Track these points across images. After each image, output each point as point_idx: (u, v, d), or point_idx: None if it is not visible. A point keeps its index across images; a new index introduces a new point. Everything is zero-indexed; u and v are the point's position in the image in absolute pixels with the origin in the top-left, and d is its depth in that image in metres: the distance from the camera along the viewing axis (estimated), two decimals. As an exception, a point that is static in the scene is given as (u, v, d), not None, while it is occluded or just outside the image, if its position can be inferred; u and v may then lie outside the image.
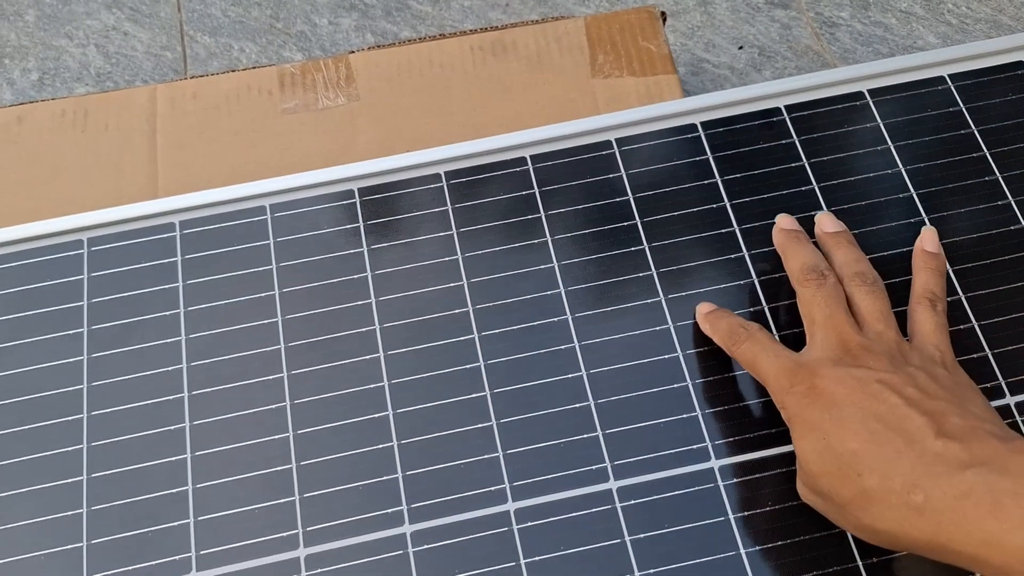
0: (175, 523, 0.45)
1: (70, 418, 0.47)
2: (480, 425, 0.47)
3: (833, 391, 0.39)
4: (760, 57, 0.77)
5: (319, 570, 0.44)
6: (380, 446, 0.46)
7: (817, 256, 0.46)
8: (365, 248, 0.52)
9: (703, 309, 0.48)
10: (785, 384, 0.41)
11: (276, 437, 0.47)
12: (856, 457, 0.38)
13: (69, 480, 0.46)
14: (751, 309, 0.49)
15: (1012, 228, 0.51)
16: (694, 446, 0.46)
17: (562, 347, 0.49)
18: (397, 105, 0.62)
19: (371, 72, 0.63)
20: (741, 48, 0.78)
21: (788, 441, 0.45)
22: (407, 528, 0.44)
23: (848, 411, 0.38)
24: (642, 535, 0.44)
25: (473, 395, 0.47)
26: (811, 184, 0.53)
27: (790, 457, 0.45)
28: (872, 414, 0.38)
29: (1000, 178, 0.52)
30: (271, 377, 0.48)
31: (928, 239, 0.48)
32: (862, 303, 0.44)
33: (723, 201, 0.53)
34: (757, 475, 0.45)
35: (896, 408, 0.38)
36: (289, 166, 0.59)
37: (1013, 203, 0.52)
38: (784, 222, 0.49)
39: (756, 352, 0.43)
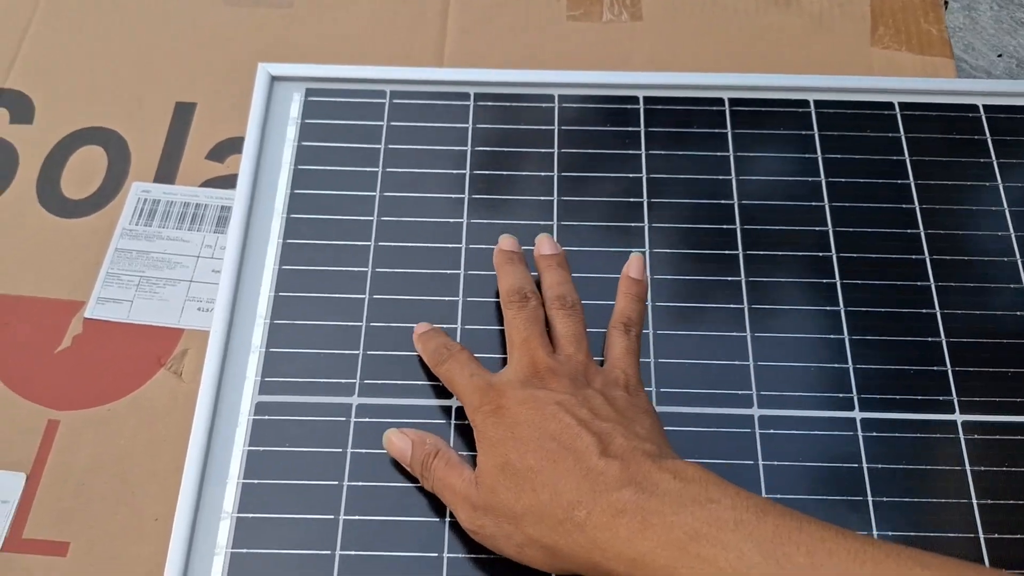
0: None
1: (359, 243, 0.52)
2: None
3: (516, 411, 0.41)
4: (1018, 68, 0.77)
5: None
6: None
7: (525, 279, 0.48)
8: (643, 151, 0.55)
9: (419, 329, 0.48)
10: (476, 403, 0.43)
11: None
12: (533, 472, 0.39)
13: (355, 296, 0.50)
14: None
15: None
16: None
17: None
18: (677, 32, 0.64)
19: (655, -2, 0.65)
20: (1000, 56, 0.78)
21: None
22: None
23: (527, 430, 0.40)
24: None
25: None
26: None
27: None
28: (548, 433, 0.40)
29: None
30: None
31: (634, 266, 0.49)
32: (557, 326, 0.46)
33: (996, 181, 0.54)
34: (1002, 436, 0.46)
35: (569, 428, 0.40)
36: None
37: None
38: (504, 243, 0.50)
39: (454, 372, 0.45)
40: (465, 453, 0.45)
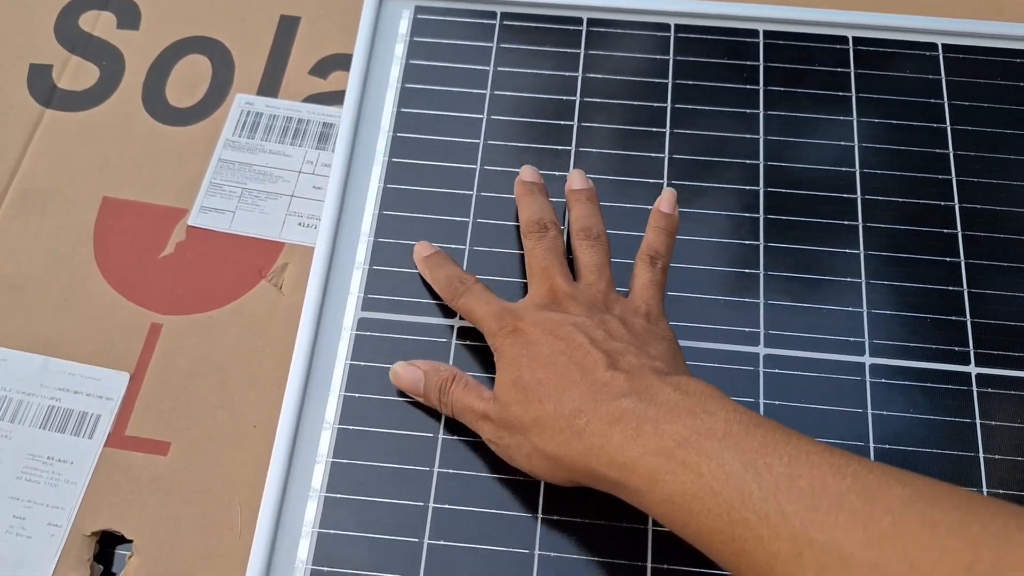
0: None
1: (465, 166, 0.51)
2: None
3: (531, 331, 0.42)
4: None
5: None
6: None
7: (544, 210, 0.48)
8: (761, 88, 0.53)
9: (422, 251, 0.48)
10: (495, 327, 0.43)
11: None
12: (541, 385, 0.40)
13: (459, 218, 0.50)
14: None
15: None
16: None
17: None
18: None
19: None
20: None
21: None
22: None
23: (540, 348, 0.41)
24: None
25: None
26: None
27: None
28: (559, 350, 0.41)
29: None
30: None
31: (666, 200, 0.49)
32: (580, 256, 0.47)
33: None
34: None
35: (580, 346, 0.40)
36: None
37: None
38: (525, 174, 0.50)
39: (472, 305, 0.45)
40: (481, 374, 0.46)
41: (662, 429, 0.36)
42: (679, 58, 0.54)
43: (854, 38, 0.54)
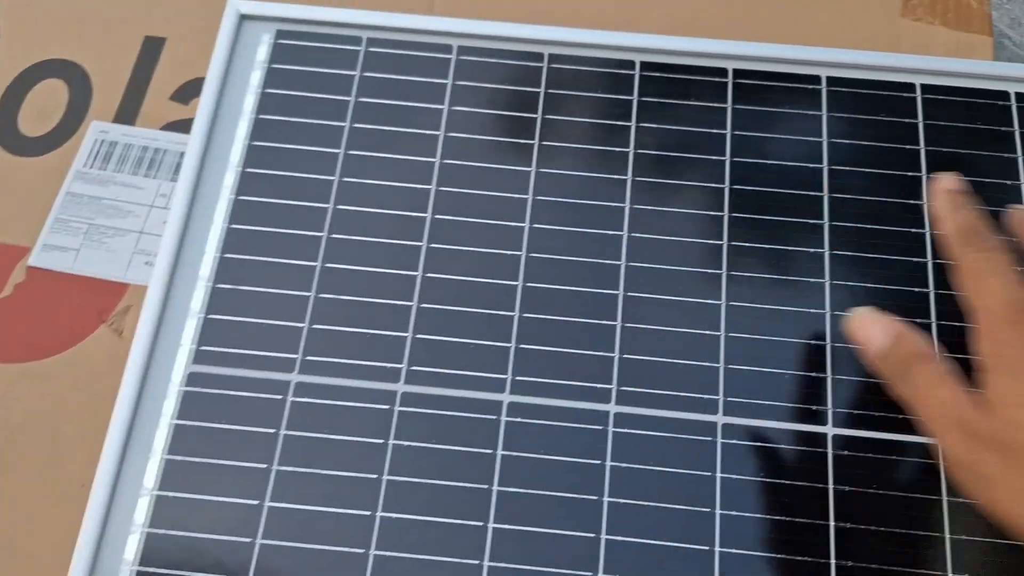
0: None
1: (316, 205, 0.48)
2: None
3: None
4: (1067, 47, 0.71)
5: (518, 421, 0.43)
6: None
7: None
8: (633, 124, 0.50)
9: (948, 184, 0.43)
10: (1008, 317, 0.36)
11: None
12: None
13: (306, 263, 0.47)
14: None
15: None
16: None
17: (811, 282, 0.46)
18: (690, -10, 0.59)
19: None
20: (1047, 33, 0.71)
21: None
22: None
23: None
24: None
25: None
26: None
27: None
28: None
29: None
30: (513, 224, 0.48)
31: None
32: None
33: (1019, 180, 0.49)
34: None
35: None
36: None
37: None
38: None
39: (988, 270, 0.38)
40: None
41: None
42: (550, 91, 0.51)
43: (735, 70, 0.51)
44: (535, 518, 0.41)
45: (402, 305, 0.45)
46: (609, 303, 0.45)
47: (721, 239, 0.47)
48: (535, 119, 0.50)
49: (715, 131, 0.50)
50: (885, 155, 0.49)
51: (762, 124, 0.50)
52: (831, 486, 0.42)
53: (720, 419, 0.43)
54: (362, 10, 0.53)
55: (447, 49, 0.52)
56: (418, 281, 0.46)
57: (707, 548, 0.41)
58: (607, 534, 0.41)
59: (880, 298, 0.45)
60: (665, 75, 0.51)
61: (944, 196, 0.43)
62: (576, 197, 0.48)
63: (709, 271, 0.46)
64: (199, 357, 0.44)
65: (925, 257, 0.46)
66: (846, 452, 0.43)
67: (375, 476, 0.42)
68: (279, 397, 0.43)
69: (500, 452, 0.42)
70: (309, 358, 0.44)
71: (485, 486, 0.42)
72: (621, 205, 0.48)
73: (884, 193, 0.48)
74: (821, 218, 0.47)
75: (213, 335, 0.45)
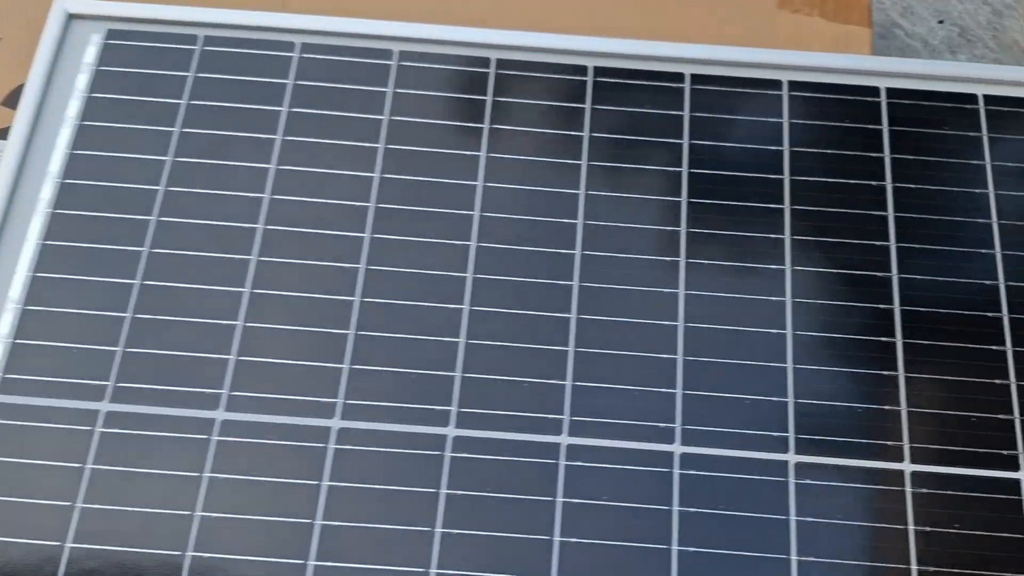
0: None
1: (138, 217, 0.45)
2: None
3: None
4: (959, 38, 0.69)
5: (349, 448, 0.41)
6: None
7: None
8: (487, 125, 0.47)
9: None
10: None
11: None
12: None
13: (123, 280, 0.43)
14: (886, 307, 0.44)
15: None
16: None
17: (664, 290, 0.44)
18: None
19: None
20: (941, 22, 0.70)
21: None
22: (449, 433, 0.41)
23: None
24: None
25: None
26: (987, 188, 0.46)
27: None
28: None
29: None
30: (351, 234, 0.45)
31: None
32: None
33: (884, 180, 0.47)
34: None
35: None
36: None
37: None
38: None
39: None
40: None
41: None
42: (399, 90, 0.48)
43: (595, 67, 0.49)
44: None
45: (226, 325, 0.42)
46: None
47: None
48: (381, 120, 0.47)
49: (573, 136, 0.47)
50: (748, 156, 0.47)
51: (623, 124, 0.47)
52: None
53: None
54: (201, 8, 0.50)
55: (289, 47, 0.49)
56: (245, 298, 0.43)
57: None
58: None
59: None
60: (521, 73, 0.48)
61: None
62: (422, 204, 0.45)
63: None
64: (6, 386, 0.41)
65: (783, 262, 0.44)
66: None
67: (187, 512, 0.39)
68: (87, 429, 0.40)
69: (326, 483, 0.40)
70: (122, 385, 0.41)
71: (307, 520, 0.39)
72: (470, 213, 0.45)
73: (743, 198, 0.46)
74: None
75: (22, 362, 0.41)
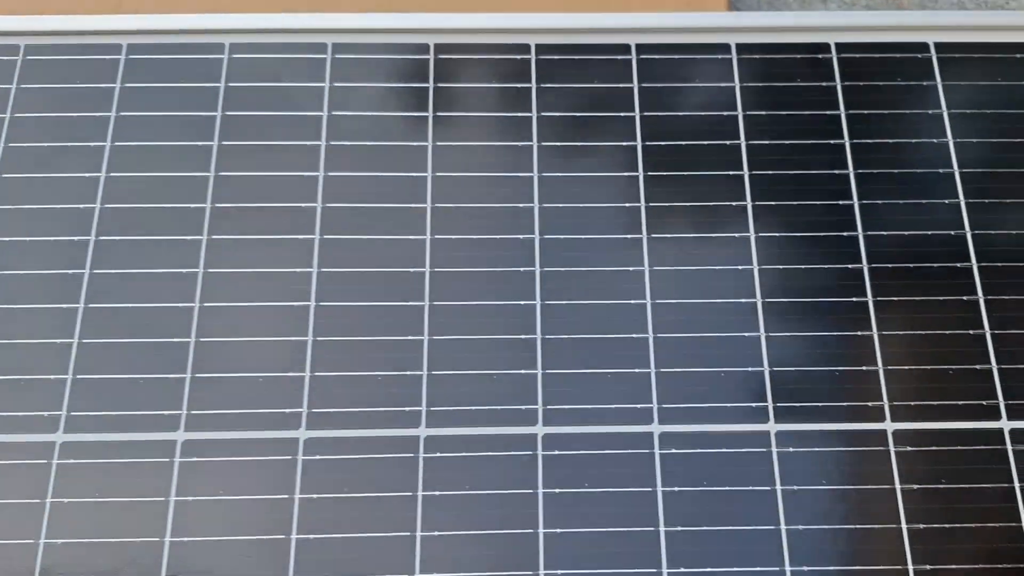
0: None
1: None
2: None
3: None
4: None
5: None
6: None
7: None
8: (431, 113, 0.46)
9: None
10: None
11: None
12: None
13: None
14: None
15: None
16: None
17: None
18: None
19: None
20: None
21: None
22: (421, 432, 0.40)
23: None
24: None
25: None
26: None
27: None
28: None
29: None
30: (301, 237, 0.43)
31: None
32: None
33: (842, 138, 0.46)
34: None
35: None
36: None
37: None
38: None
39: None
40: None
41: None
42: (335, 84, 0.46)
43: (538, 45, 0.48)
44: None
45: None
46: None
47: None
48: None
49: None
50: (703, 124, 0.46)
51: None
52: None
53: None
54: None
55: (219, 48, 0.47)
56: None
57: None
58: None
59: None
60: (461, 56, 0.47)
61: None
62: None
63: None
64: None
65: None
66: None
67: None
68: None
69: (297, 496, 0.38)
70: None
71: (282, 536, 0.37)
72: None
73: (702, 167, 0.45)
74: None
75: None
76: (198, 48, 0.46)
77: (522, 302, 0.42)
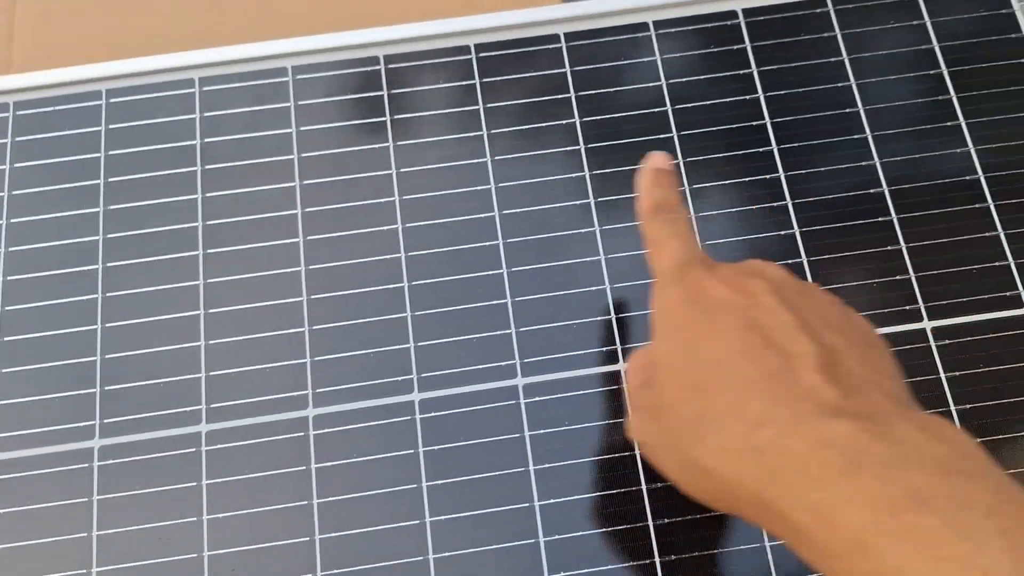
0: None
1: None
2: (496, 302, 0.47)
3: (719, 292, 0.32)
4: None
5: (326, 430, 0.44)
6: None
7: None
8: (388, 117, 0.51)
9: (656, 162, 0.39)
10: (670, 274, 0.34)
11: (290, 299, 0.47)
12: (717, 368, 0.30)
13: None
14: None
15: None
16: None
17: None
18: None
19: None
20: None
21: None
22: (415, 395, 0.45)
23: (728, 316, 0.31)
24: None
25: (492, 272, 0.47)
26: (849, 81, 0.51)
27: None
28: (754, 323, 0.30)
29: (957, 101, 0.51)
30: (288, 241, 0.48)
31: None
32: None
33: (757, 93, 0.51)
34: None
35: (786, 326, 0.30)
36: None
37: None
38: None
39: (669, 232, 0.36)
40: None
41: (891, 475, 0.25)
42: (299, 102, 0.51)
43: (385, 55, 0.52)
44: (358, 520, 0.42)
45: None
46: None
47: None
48: (290, 132, 0.50)
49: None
50: (632, 96, 0.51)
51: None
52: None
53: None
54: (99, 63, 0.52)
55: (189, 84, 0.51)
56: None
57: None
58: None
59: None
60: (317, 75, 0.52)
61: (649, 174, 0.39)
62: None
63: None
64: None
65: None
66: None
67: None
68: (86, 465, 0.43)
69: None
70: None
71: (305, 503, 0.42)
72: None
73: (635, 134, 0.50)
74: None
75: None
76: (167, 86, 0.50)
77: (490, 272, 0.47)
